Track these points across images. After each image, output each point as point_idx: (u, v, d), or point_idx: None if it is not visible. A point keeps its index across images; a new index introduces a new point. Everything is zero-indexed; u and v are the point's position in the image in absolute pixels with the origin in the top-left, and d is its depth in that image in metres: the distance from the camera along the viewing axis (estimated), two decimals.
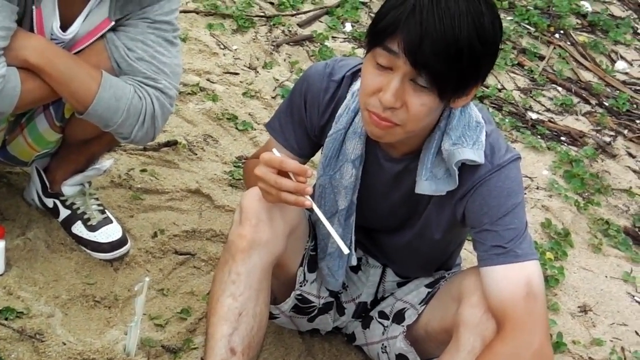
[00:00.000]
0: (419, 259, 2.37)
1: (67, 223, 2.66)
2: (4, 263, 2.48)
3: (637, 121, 4.38)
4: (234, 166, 3.20)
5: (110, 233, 2.63)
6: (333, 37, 4.32)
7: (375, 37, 1.91)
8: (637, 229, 3.55)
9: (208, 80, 3.65)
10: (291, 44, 4.15)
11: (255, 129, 3.43)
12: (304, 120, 2.24)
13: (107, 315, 2.50)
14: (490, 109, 4.10)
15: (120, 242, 2.63)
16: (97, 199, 2.69)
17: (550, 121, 4.18)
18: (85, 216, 2.63)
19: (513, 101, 4.25)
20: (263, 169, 1.98)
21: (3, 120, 2.44)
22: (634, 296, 3.19)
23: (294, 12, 4.42)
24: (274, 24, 4.23)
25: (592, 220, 3.53)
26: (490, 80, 4.30)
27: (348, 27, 4.45)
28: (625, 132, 4.28)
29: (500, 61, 4.44)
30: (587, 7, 5.33)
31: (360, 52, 4.11)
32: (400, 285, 2.43)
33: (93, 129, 2.38)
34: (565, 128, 4.15)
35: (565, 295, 3.10)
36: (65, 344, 2.33)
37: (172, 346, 2.43)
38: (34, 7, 2.22)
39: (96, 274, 2.60)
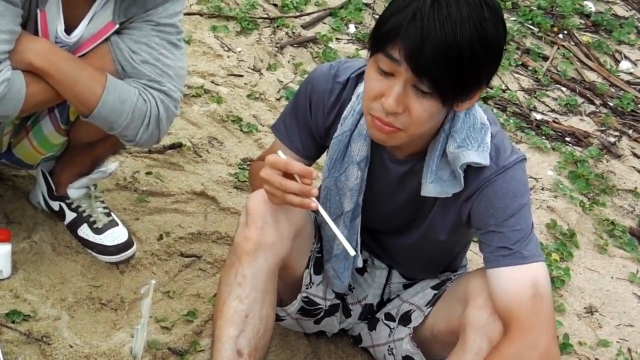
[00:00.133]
0: (424, 260, 2.36)
1: (73, 226, 2.66)
2: (10, 266, 2.49)
3: None
4: (239, 168, 3.20)
5: (116, 236, 2.63)
6: (337, 38, 4.32)
7: (376, 43, 1.91)
8: None
9: (212, 82, 3.65)
10: (295, 45, 4.15)
11: (259, 131, 3.43)
12: (309, 122, 2.24)
13: (114, 317, 2.50)
14: (495, 110, 4.09)
15: (126, 245, 2.63)
16: (102, 201, 2.70)
17: (554, 122, 4.18)
18: (91, 219, 2.63)
19: (517, 102, 4.25)
20: (268, 171, 1.98)
21: (8, 124, 2.45)
22: None
23: (298, 14, 4.42)
24: (277, 26, 4.23)
25: (598, 220, 3.52)
26: (494, 80, 4.26)
27: (352, 28, 4.45)
28: (630, 132, 4.27)
29: (504, 62, 4.44)
30: (591, 7, 5.32)
31: (364, 53, 4.10)
32: (406, 287, 2.43)
33: (98, 132, 2.38)
34: (569, 128, 4.14)
35: (571, 296, 3.10)
36: (71, 347, 2.33)
37: (178, 348, 2.44)
38: (38, 10, 2.23)
39: (102, 276, 2.60)
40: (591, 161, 3.89)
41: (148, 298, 2.22)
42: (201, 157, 3.21)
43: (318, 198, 2.01)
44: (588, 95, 4.47)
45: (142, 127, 2.31)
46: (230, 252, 2.15)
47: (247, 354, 2.07)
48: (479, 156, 2.03)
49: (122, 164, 3.00)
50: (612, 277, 3.25)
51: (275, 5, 4.44)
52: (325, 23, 4.44)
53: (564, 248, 3.28)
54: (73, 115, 2.46)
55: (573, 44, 4.92)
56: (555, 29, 4.99)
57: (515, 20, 4.97)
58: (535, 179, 3.67)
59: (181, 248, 2.77)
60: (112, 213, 2.68)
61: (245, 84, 3.73)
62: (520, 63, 4.61)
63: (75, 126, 2.49)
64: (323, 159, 2.31)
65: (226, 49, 3.93)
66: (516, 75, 4.50)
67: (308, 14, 4.44)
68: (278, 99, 3.69)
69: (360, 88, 2.14)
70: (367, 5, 4.68)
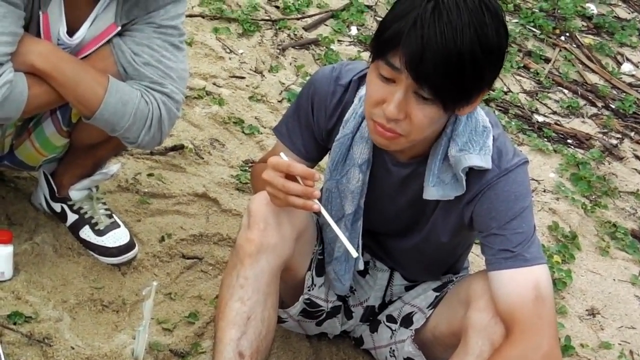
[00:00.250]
0: (426, 263, 2.36)
1: (75, 228, 2.66)
2: (12, 268, 2.49)
3: None
4: (241, 170, 3.20)
5: (117, 237, 2.63)
6: (339, 40, 4.32)
7: (377, 50, 1.91)
8: None
9: (214, 84, 3.66)
10: (297, 47, 4.15)
11: (261, 133, 3.43)
12: (311, 124, 2.24)
13: (115, 319, 2.50)
14: (497, 112, 4.09)
15: (128, 247, 2.64)
16: (104, 203, 2.70)
17: (556, 124, 4.18)
18: (93, 221, 2.63)
19: (519, 104, 4.25)
20: (271, 173, 1.98)
21: (10, 125, 2.45)
22: None
23: (300, 16, 4.42)
24: (279, 28, 4.24)
25: (600, 223, 3.52)
26: (496, 83, 4.27)
27: (354, 30, 4.45)
28: (632, 134, 4.27)
29: (506, 64, 4.43)
30: (593, 9, 5.32)
31: (366, 55, 4.10)
32: (408, 289, 2.43)
33: (100, 134, 2.38)
34: (571, 131, 4.14)
35: (573, 298, 3.10)
36: (73, 348, 2.33)
37: (180, 350, 2.44)
38: (40, 12, 2.23)
39: (104, 278, 2.60)
40: (593, 163, 3.89)
41: (150, 300, 2.22)
42: (203, 158, 3.21)
43: (320, 200, 2.01)
44: (590, 98, 4.47)
45: (144, 129, 2.31)
46: (232, 254, 2.15)
47: (249, 356, 2.07)
48: (481, 159, 2.03)
49: (124, 165, 3.00)
50: (614, 279, 3.25)
51: (277, 7, 4.45)
52: (327, 25, 4.44)
53: (565, 250, 3.28)
54: (75, 117, 2.46)
55: (575, 46, 4.92)
56: (557, 31, 4.99)
57: (517, 22, 4.96)
58: (537, 181, 3.67)
59: (183, 250, 2.77)
60: (113, 215, 2.69)
61: (247, 85, 3.73)
62: (522, 65, 4.61)
63: (77, 128, 2.50)
64: (324, 161, 2.31)
65: (228, 50, 3.93)
66: (518, 77, 4.50)
67: (310, 16, 4.45)
68: (280, 101, 3.69)
69: (363, 90, 2.13)
70: (369, 7, 4.68)
